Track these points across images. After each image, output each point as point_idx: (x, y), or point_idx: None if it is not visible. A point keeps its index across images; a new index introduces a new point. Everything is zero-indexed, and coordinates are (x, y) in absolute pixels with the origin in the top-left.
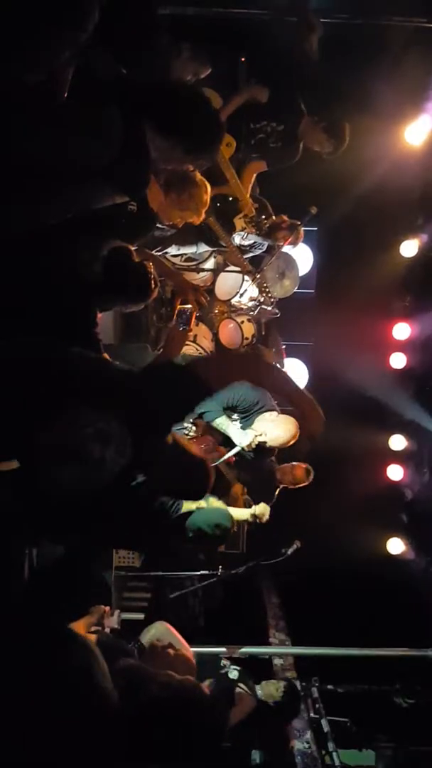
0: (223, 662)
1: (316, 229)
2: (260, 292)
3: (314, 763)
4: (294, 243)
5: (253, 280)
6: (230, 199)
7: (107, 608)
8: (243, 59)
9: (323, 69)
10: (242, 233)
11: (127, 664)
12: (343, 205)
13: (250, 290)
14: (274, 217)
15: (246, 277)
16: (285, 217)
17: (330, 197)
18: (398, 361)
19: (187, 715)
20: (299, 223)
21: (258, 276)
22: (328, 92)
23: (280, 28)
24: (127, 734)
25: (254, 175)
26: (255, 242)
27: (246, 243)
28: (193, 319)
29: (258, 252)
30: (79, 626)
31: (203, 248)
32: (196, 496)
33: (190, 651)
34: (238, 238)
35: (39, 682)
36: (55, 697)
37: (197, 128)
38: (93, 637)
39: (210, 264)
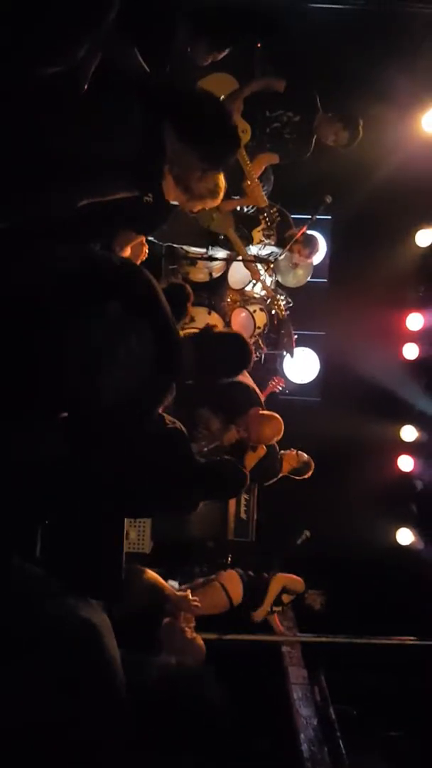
0: None
1: (330, 217)
2: (271, 303)
3: (320, 749)
4: (309, 257)
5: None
6: (248, 211)
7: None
8: (259, 45)
9: (339, 59)
10: (259, 245)
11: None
12: (358, 194)
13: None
14: (293, 230)
15: (259, 266)
16: (304, 229)
17: (345, 186)
18: (411, 351)
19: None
20: (314, 238)
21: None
22: (344, 87)
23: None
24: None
25: (264, 165)
26: (272, 252)
27: (263, 253)
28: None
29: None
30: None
31: (217, 251)
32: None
33: None
34: (255, 249)
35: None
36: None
37: (216, 141)
38: None
39: (222, 253)
